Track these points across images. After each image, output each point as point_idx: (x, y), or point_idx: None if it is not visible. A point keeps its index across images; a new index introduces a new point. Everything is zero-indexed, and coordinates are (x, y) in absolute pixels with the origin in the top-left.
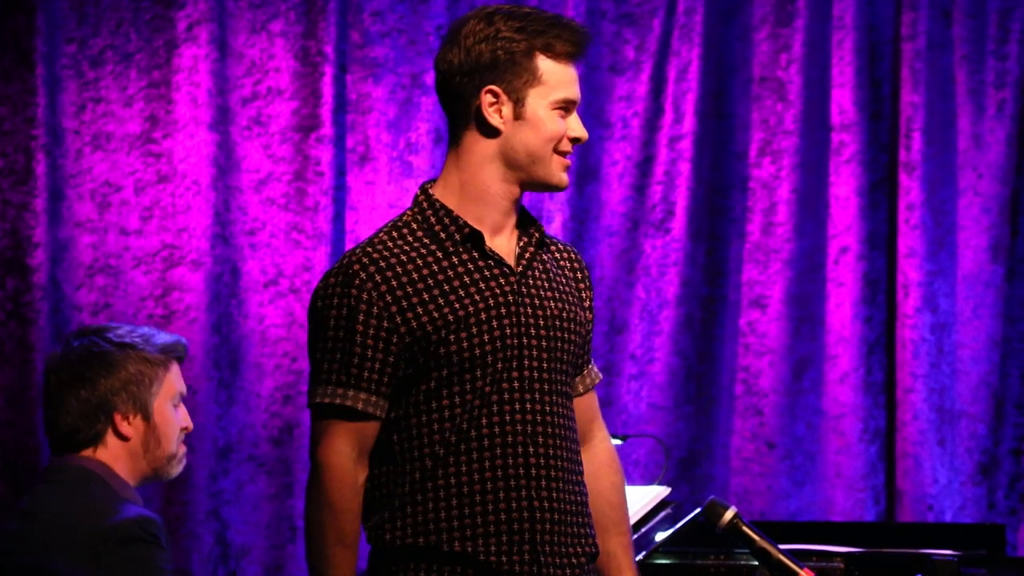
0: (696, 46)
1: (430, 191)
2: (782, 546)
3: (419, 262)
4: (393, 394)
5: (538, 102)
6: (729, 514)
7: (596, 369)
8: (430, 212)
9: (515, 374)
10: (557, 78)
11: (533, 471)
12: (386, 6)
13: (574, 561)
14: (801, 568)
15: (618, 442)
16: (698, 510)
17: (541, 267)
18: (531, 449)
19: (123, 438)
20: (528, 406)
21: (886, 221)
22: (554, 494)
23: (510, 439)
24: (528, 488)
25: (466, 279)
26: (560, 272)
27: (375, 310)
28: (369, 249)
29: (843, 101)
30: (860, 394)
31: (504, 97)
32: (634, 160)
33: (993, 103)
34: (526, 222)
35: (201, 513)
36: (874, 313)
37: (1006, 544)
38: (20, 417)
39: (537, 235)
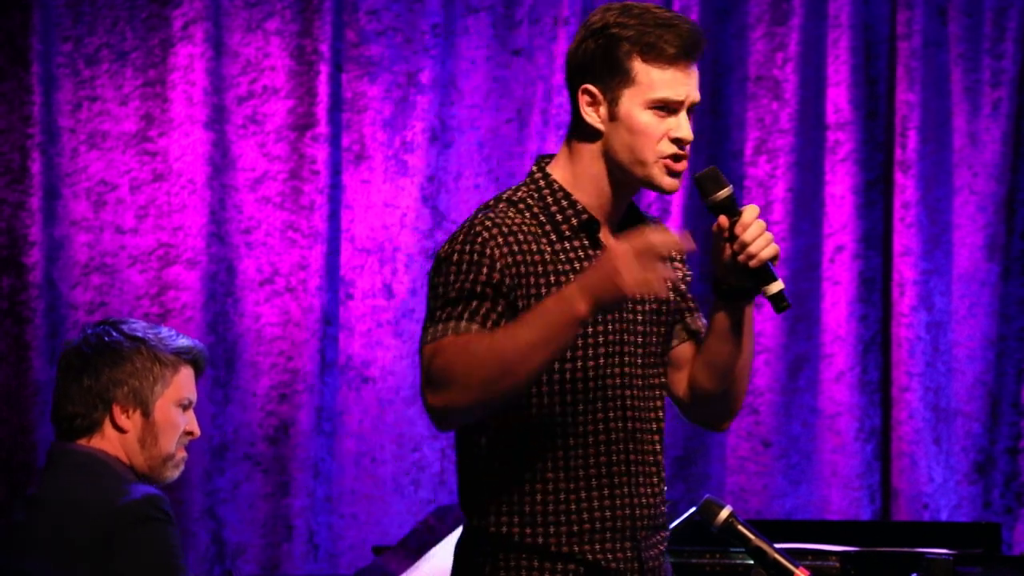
0: None
1: (547, 169)
2: (778, 545)
3: (534, 243)
4: None
5: (632, 102)
6: (724, 513)
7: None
8: (547, 192)
9: (616, 370)
10: (651, 78)
11: (633, 468)
12: (381, 5)
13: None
14: (797, 567)
15: None
16: (693, 509)
17: None
18: (631, 446)
19: (120, 430)
20: (629, 402)
21: (881, 220)
22: (648, 488)
23: (613, 436)
24: (630, 485)
25: (577, 266)
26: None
27: (499, 265)
28: (492, 215)
29: (839, 100)
30: (856, 393)
31: (600, 96)
32: None
33: (989, 101)
34: (633, 216)
35: (197, 511)
36: (869, 312)
37: (1002, 543)
38: (16, 415)
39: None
